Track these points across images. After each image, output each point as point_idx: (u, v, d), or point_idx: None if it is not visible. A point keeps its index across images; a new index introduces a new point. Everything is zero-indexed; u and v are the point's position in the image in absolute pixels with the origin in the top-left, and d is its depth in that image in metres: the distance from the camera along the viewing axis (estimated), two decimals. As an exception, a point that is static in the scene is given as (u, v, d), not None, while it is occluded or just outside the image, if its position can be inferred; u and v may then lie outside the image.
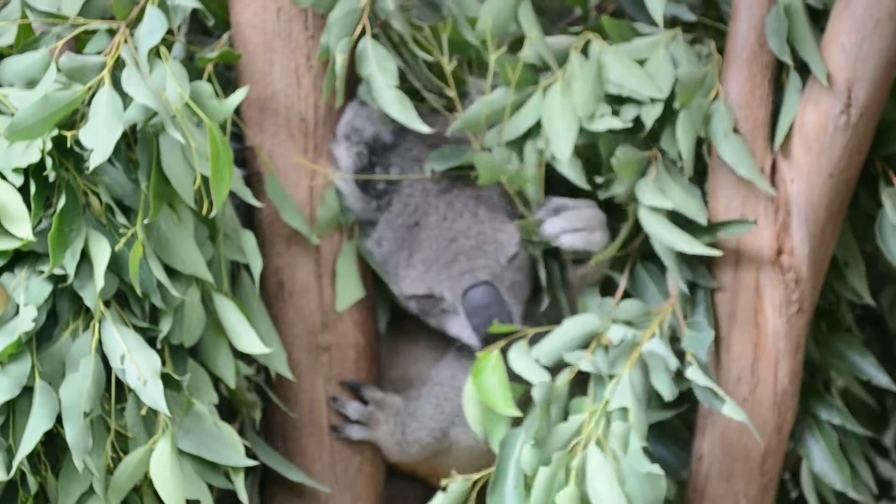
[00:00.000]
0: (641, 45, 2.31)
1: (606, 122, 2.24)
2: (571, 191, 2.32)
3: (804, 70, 2.26)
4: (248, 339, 2.20)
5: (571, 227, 2.26)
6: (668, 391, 2.17)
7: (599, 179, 2.29)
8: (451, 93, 2.33)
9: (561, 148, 2.24)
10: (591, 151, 2.29)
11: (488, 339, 2.26)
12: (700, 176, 2.31)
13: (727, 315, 2.29)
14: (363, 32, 2.27)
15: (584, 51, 2.30)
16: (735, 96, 2.27)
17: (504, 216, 2.30)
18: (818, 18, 2.27)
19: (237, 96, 2.21)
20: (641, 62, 2.28)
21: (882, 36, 2.21)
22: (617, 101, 2.27)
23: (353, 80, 2.31)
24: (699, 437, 2.33)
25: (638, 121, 2.28)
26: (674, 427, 2.39)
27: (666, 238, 2.23)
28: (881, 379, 2.39)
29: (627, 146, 2.26)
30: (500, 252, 2.30)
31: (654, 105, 2.26)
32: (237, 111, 2.28)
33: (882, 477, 2.72)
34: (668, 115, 2.26)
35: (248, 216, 2.33)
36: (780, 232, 2.27)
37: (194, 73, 2.23)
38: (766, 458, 2.30)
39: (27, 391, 2.04)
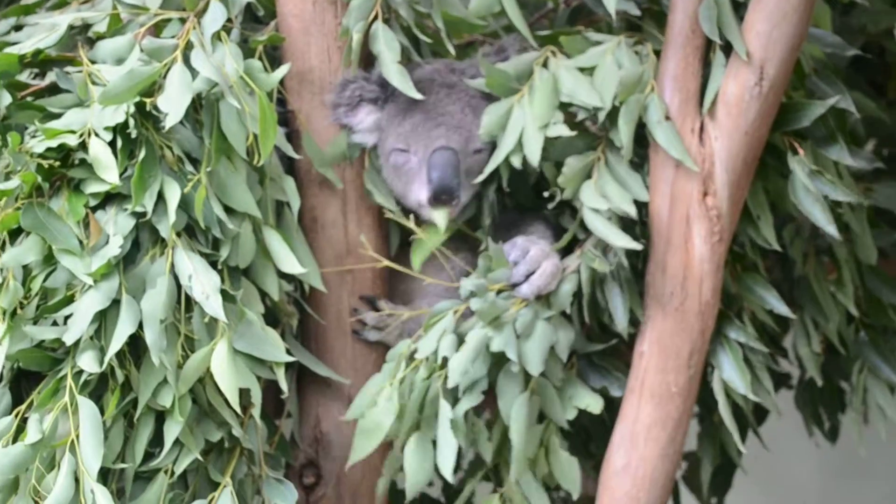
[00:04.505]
0: (592, 53, 2.30)
1: (558, 129, 2.23)
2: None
3: (727, 51, 2.26)
4: (289, 262, 2.21)
5: (527, 271, 2.24)
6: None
7: (546, 194, 2.28)
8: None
9: (532, 151, 2.24)
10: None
11: (438, 195, 2.25)
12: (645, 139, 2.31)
13: (664, 242, 2.30)
14: (376, 17, 2.27)
15: (545, 63, 2.30)
16: (672, 71, 2.28)
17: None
18: (738, 9, 2.27)
19: (281, 71, 2.22)
20: (593, 68, 2.28)
21: (789, 24, 2.22)
22: (571, 105, 2.29)
23: (369, 56, 2.31)
24: (640, 338, 2.33)
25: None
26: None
27: (604, 233, 2.23)
28: (781, 308, 2.36)
29: (576, 155, 2.27)
30: (470, 140, 2.29)
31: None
32: (281, 82, 2.27)
33: (783, 370, 2.73)
34: (615, 110, 2.26)
35: (289, 165, 2.31)
36: (706, 178, 2.27)
37: (248, 52, 2.24)
38: (692, 355, 2.31)
39: (115, 303, 2.06)
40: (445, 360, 2.21)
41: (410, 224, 2.30)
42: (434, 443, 2.22)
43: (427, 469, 2.22)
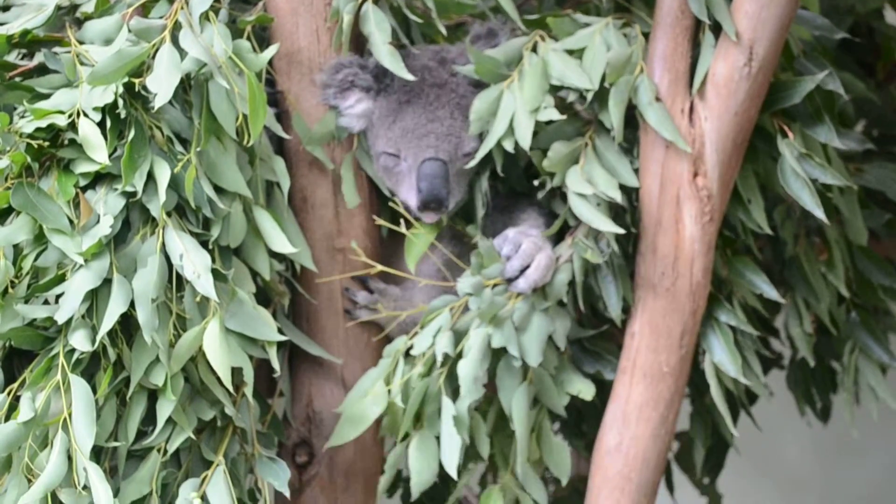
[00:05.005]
0: (581, 35, 2.29)
1: (549, 113, 2.22)
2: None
3: (716, 31, 2.25)
4: (280, 242, 2.21)
5: (521, 266, 2.22)
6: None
7: (536, 182, 2.28)
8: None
9: (523, 136, 2.23)
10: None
11: (426, 205, 2.26)
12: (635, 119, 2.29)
13: (654, 223, 2.30)
14: None
15: (534, 48, 2.29)
16: (661, 52, 2.27)
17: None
18: (727, -11, 2.26)
19: (270, 51, 2.21)
20: (581, 50, 2.26)
21: (778, 5, 2.22)
22: (560, 88, 2.27)
23: (359, 37, 2.30)
24: (631, 319, 2.32)
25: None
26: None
27: (589, 219, 2.22)
28: (772, 293, 2.34)
29: (563, 140, 2.25)
30: (460, 146, 2.28)
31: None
32: (270, 63, 2.27)
33: (775, 351, 2.73)
34: (604, 92, 2.25)
35: (279, 145, 2.31)
36: (696, 158, 2.27)
37: (236, 33, 2.23)
38: (683, 335, 2.31)
39: (107, 282, 2.05)
40: (446, 356, 2.21)
41: (401, 228, 2.30)
42: (437, 439, 2.22)
43: (432, 466, 2.22)
